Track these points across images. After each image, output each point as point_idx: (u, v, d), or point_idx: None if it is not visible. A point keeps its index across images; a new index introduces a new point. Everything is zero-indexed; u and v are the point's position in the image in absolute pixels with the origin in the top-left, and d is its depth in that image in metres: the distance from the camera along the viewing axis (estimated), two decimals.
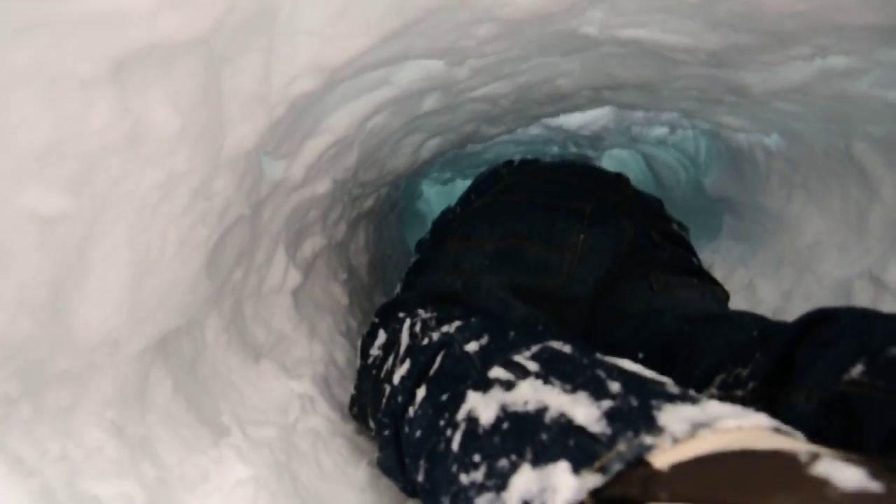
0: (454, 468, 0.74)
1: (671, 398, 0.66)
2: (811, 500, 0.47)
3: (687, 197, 2.89)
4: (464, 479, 0.72)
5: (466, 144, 2.03)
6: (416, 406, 0.93)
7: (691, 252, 1.62)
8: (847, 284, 1.84)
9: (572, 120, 2.33)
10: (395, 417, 1.00)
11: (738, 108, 1.93)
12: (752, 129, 2.10)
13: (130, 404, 0.87)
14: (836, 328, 0.91)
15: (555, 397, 0.71)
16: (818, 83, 1.63)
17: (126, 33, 0.55)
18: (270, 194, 1.18)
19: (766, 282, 2.08)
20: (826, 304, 1.35)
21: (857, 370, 0.83)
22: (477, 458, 0.72)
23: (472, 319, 1.06)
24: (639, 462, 0.57)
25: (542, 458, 0.64)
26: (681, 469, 0.55)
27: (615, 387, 0.70)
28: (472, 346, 0.94)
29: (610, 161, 3.25)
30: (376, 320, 1.34)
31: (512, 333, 0.95)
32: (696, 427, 0.59)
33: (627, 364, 0.78)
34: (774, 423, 0.61)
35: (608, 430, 0.63)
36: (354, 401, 1.31)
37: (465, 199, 1.78)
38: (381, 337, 1.25)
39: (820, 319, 0.95)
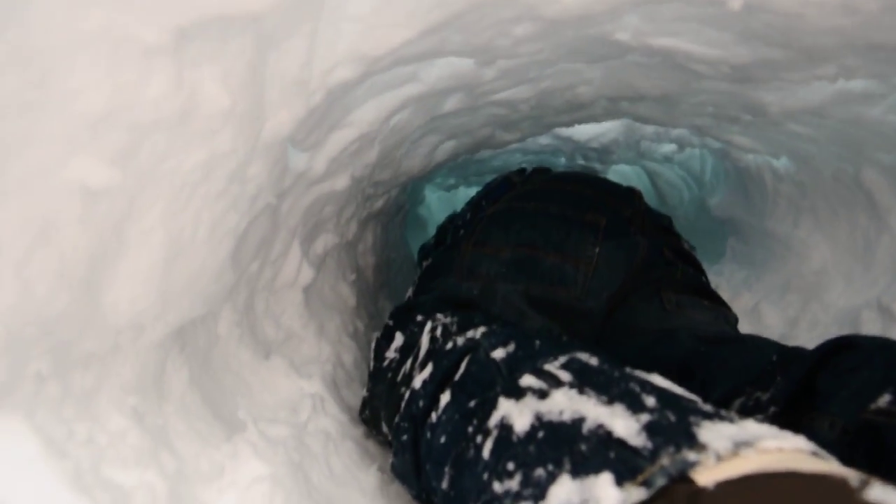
0: (485, 476, 0.73)
1: (708, 416, 0.65)
2: None
3: (690, 217, 2.89)
4: (497, 487, 0.70)
5: (479, 150, 2.02)
6: (440, 411, 0.90)
7: (701, 272, 1.62)
8: (854, 313, 1.84)
9: (583, 131, 2.33)
10: (414, 422, 0.97)
11: (751, 128, 1.94)
12: (762, 150, 2.11)
13: (149, 392, 0.85)
14: (859, 356, 0.91)
15: (591, 408, 0.70)
16: (834, 106, 1.64)
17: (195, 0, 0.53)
18: (292, 186, 1.16)
19: (771, 308, 2.08)
20: (833, 332, 1.35)
21: (884, 399, 0.82)
22: (511, 466, 0.70)
23: (496, 326, 1.04)
24: (682, 478, 0.56)
25: (582, 469, 0.63)
26: (727, 487, 0.54)
27: (650, 401, 0.69)
28: (498, 353, 0.92)
29: (615, 176, 3.25)
30: (391, 323, 1.32)
31: (538, 342, 0.93)
32: (739, 446, 0.58)
33: (658, 379, 0.77)
34: (813, 446, 0.60)
35: (649, 444, 0.61)
36: (366, 404, 1.28)
37: (477, 204, 1.77)
38: (398, 339, 1.23)
39: (842, 347, 0.95)
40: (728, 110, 1.77)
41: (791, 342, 1.13)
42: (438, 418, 0.90)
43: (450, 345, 1.03)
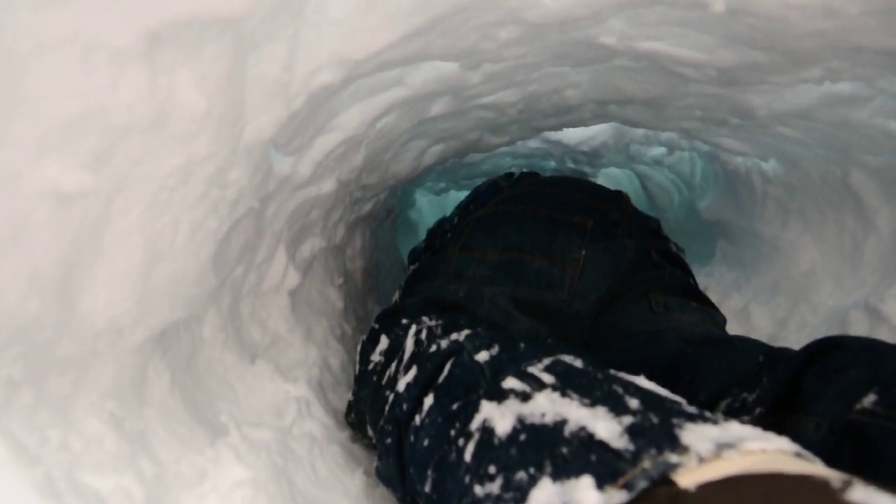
0: (467, 479, 0.72)
1: (691, 417, 0.65)
2: None
3: (680, 219, 2.90)
4: (478, 490, 0.70)
5: (468, 153, 2.02)
6: (424, 414, 0.90)
7: (689, 274, 1.62)
8: (842, 314, 1.85)
9: (572, 135, 2.33)
10: (398, 425, 0.97)
11: (739, 131, 1.95)
12: (750, 153, 2.12)
13: (128, 397, 0.84)
14: (844, 357, 0.91)
15: (573, 410, 0.70)
16: (822, 109, 1.64)
17: (167, 2, 0.53)
18: (277, 190, 1.16)
19: (760, 309, 2.08)
20: (821, 333, 1.35)
21: (869, 399, 0.83)
22: (493, 469, 0.69)
23: (480, 329, 1.04)
24: (664, 480, 0.56)
25: (563, 472, 0.63)
26: (709, 489, 0.53)
27: (634, 403, 0.68)
28: (482, 356, 0.92)
29: (605, 180, 3.26)
30: (376, 326, 1.32)
31: (522, 345, 0.93)
32: (721, 447, 0.58)
33: (642, 381, 0.77)
34: (796, 447, 0.60)
35: (631, 447, 0.61)
36: (352, 407, 1.27)
37: (464, 208, 1.77)
38: (383, 343, 1.23)
39: (828, 347, 0.95)
40: (716, 113, 1.77)
41: (780, 343, 1.14)
42: (422, 421, 0.90)
43: (434, 347, 1.03)
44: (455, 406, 0.85)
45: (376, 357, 1.21)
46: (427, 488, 0.83)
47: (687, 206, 2.84)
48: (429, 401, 0.91)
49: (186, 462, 0.87)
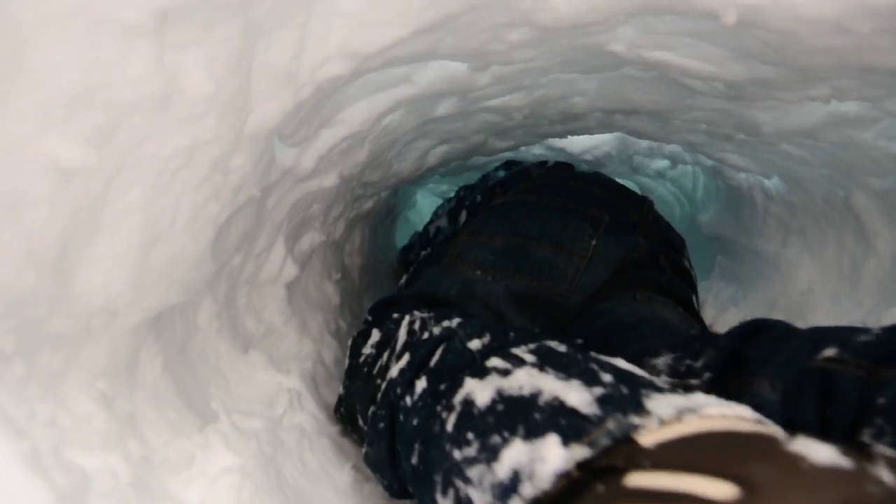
0: (447, 446, 0.77)
1: (660, 389, 0.69)
2: (786, 470, 0.51)
3: (680, 233, 2.89)
4: (456, 454, 0.74)
5: (472, 156, 2.02)
6: (416, 397, 0.93)
7: (692, 289, 1.61)
8: None
9: (576, 143, 2.33)
10: (391, 409, 0.99)
11: (744, 147, 1.94)
12: (754, 169, 2.11)
13: (120, 378, 0.84)
14: (779, 332, 0.99)
15: (549, 383, 0.74)
16: (827, 128, 1.64)
17: None
18: (279, 181, 1.16)
19: None
20: None
21: (831, 351, 0.87)
22: (470, 436, 0.74)
23: (472, 319, 1.06)
24: (626, 440, 0.60)
25: (532, 433, 0.67)
26: (666, 446, 0.58)
27: (607, 378, 0.73)
28: (474, 344, 0.95)
29: None
30: (370, 318, 1.32)
31: (512, 334, 0.95)
32: (682, 412, 0.62)
33: (620, 362, 0.81)
34: (757, 415, 0.64)
35: (598, 412, 0.65)
36: (342, 401, 1.27)
37: (490, 190, 1.75)
38: (375, 336, 1.24)
39: (759, 328, 1.02)
40: (722, 128, 1.77)
41: None
42: (413, 403, 0.93)
43: (426, 335, 1.05)
44: (443, 386, 0.88)
45: (367, 350, 1.23)
46: (413, 461, 0.87)
47: (688, 221, 2.84)
48: (421, 384, 0.94)
49: (175, 446, 0.87)
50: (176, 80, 0.62)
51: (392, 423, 0.98)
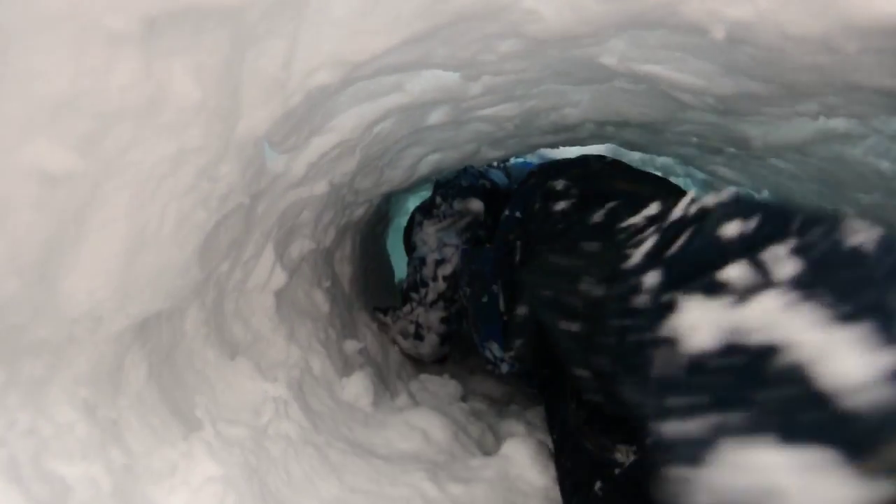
0: (649, 403, 0.58)
1: None
2: None
3: None
4: (654, 426, 0.55)
5: (464, 165, 2.02)
6: (643, 294, 0.70)
7: None
8: None
9: (569, 154, 2.33)
10: (621, 299, 0.75)
11: (734, 161, 1.96)
12: (744, 183, 2.13)
13: (104, 385, 0.83)
14: None
15: (803, 331, 0.48)
16: (816, 144, 1.66)
17: None
18: (268, 188, 1.15)
19: None
20: None
21: None
22: (672, 400, 0.54)
23: (743, 193, 0.78)
24: None
25: (755, 429, 0.47)
26: None
27: None
28: (730, 228, 0.66)
29: None
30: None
31: (798, 219, 0.63)
32: None
33: None
34: None
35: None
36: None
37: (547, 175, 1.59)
38: (654, 208, 0.94)
39: None
40: (712, 141, 1.78)
41: None
42: (643, 301, 0.70)
43: (679, 215, 0.80)
44: (666, 298, 0.64)
45: (638, 219, 0.94)
46: (623, 393, 0.66)
47: None
48: (649, 279, 0.70)
49: (158, 454, 0.87)
50: (163, 87, 0.62)
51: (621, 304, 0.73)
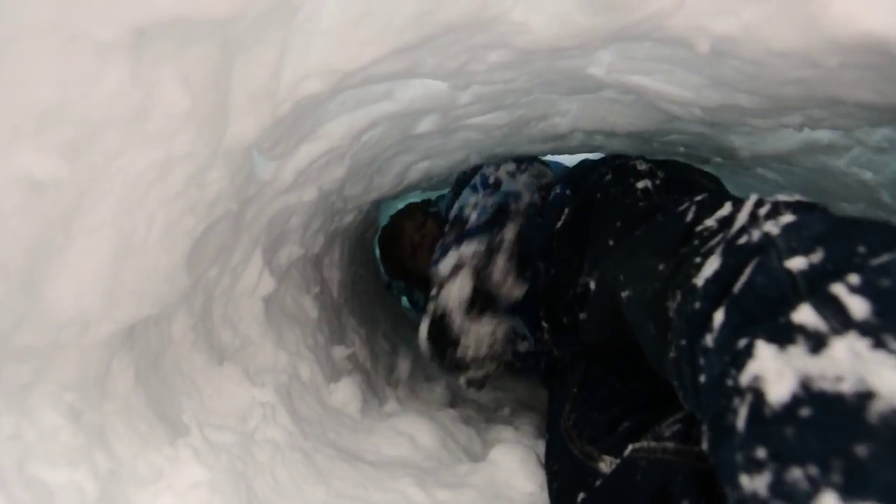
0: (738, 457, 0.54)
1: None
2: None
3: None
4: (744, 482, 0.52)
5: (453, 173, 2.03)
6: (715, 332, 0.65)
7: None
8: None
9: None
10: (690, 327, 0.72)
11: (722, 170, 1.98)
12: (732, 192, 2.15)
13: (90, 390, 0.83)
14: None
15: (892, 376, 0.46)
16: (802, 154, 1.68)
17: (153, 0, 0.54)
18: (257, 194, 1.16)
19: None
20: None
21: None
22: (762, 454, 0.51)
23: (806, 218, 0.72)
24: None
25: (856, 487, 0.44)
26: None
27: None
28: (796, 262, 0.63)
29: None
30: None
31: (861, 247, 0.59)
32: None
33: None
34: None
35: None
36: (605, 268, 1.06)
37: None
38: (727, 209, 0.91)
39: None
40: (699, 151, 1.80)
41: None
42: (713, 342, 0.65)
43: (744, 238, 0.74)
44: (742, 343, 0.60)
45: (711, 222, 0.90)
46: (704, 445, 0.63)
47: None
48: (718, 317, 0.66)
49: (143, 459, 0.87)
50: (152, 95, 0.63)
51: (691, 347, 0.69)
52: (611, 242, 1.27)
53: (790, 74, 1.02)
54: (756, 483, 0.51)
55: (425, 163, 1.74)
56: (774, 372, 0.53)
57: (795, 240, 0.65)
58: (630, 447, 0.94)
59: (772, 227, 0.71)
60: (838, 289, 0.54)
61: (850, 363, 0.49)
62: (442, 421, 1.62)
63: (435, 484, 1.24)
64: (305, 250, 1.56)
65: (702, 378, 0.65)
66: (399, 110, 1.25)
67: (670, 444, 0.88)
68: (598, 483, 0.99)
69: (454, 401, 1.90)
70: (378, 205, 2.27)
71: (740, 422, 0.54)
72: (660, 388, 1.02)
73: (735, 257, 0.71)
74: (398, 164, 1.66)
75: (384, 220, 2.74)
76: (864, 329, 0.50)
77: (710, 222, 0.89)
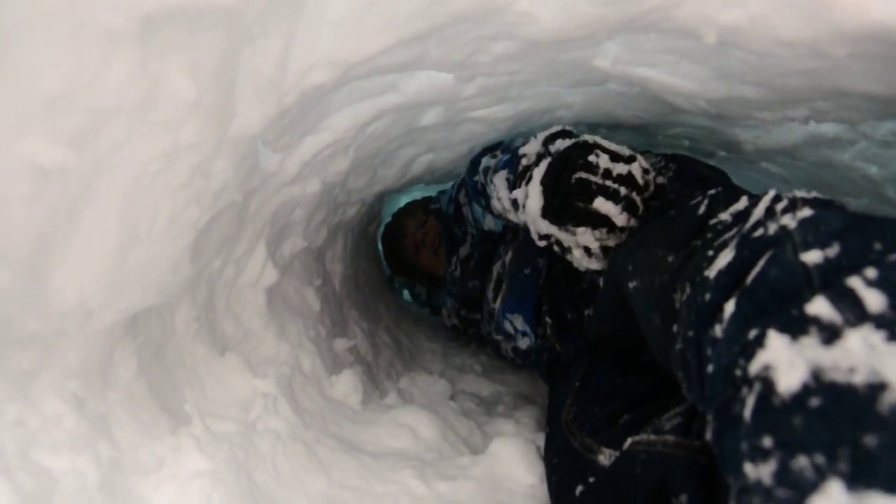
0: (743, 446, 0.55)
1: None
2: None
3: None
4: (748, 469, 0.53)
5: (457, 166, 2.03)
6: (725, 323, 0.66)
7: None
8: None
9: None
10: (700, 318, 0.72)
11: (726, 164, 1.97)
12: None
13: (93, 379, 0.83)
14: None
15: None
16: (807, 148, 1.67)
17: None
18: (261, 186, 1.16)
19: None
20: None
21: None
22: (768, 442, 0.51)
23: (825, 214, 0.70)
24: None
25: (862, 476, 0.45)
26: None
27: None
28: (812, 256, 0.63)
29: None
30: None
31: (878, 244, 0.60)
32: None
33: None
34: None
35: None
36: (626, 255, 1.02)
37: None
38: (742, 203, 0.89)
39: None
40: (704, 144, 1.79)
41: None
42: (722, 332, 0.66)
43: (760, 231, 0.74)
44: (752, 333, 0.61)
45: (725, 216, 0.89)
46: (708, 435, 0.64)
47: None
48: (729, 308, 0.66)
49: (146, 448, 0.87)
50: (158, 84, 0.63)
51: (698, 340, 0.70)
52: None
53: (796, 65, 1.02)
54: (760, 471, 0.51)
55: (429, 155, 1.74)
56: (786, 362, 0.54)
57: (812, 234, 0.65)
58: (630, 440, 0.94)
59: (789, 221, 0.71)
60: (855, 282, 0.55)
61: (864, 355, 0.49)
62: (442, 413, 1.62)
63: (435, 476, 1.24)
64: (308, 243, 1.56)
65: (709, 368, 0.65)
66: (404, 102, 1.25)
67: (670, 438, 0.88)
68: (597, 475, 0.99)
69: (455, 394, 1.90)
70: (381, 198, 2.26)
71: (747, 411, 0.55)
72: (661, 384, 1.02)
73: (750, 250, 0.71)
74: (402, 156, 1.65)
75: (387, 214, 2.74)
76: (880, 322, 0.51)
77: (725, 216, 0.88)
